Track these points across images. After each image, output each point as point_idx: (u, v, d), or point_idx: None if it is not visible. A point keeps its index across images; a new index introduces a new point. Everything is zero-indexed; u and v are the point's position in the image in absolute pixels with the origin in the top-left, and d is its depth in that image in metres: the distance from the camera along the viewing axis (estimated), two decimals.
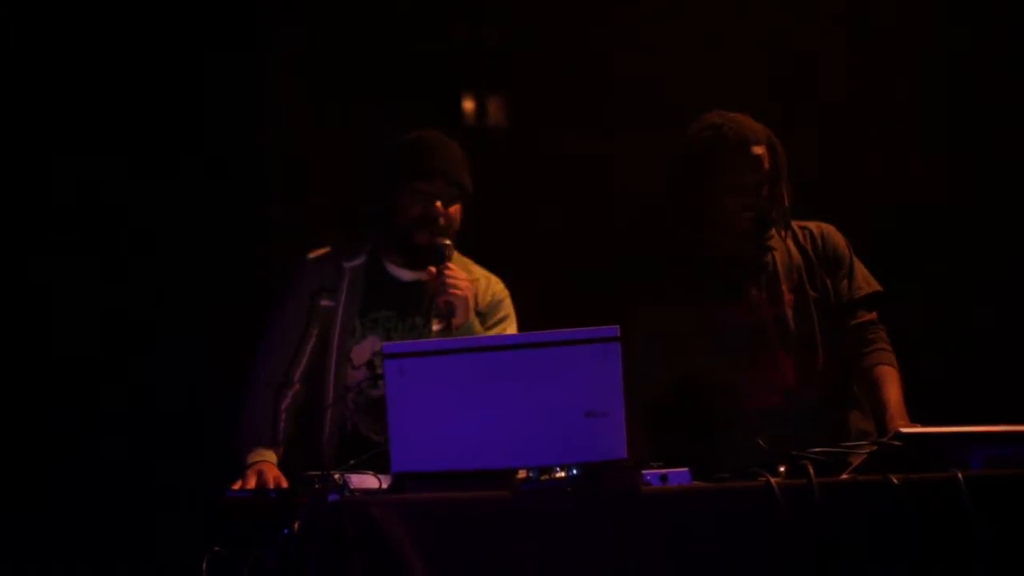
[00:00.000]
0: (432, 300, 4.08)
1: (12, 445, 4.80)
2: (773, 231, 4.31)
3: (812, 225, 4.38)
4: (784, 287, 4.30)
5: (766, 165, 4.24)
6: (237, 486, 3.73)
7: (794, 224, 4.37)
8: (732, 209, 4.24)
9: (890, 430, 3.93)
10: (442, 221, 4.07)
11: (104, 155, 4.91)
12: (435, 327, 4.13)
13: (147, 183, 4.93)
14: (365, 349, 4.12)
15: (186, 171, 4.96)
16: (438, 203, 4.07)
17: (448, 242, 4.05)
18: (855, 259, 4.34)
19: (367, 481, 3.30)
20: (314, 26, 5.16)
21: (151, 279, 4.93)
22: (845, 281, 4.30)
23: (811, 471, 3.20)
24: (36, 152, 4.88)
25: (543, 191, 5.13)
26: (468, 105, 5.41)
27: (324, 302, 4.12)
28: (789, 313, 4.27)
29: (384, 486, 3.28)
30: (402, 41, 5.23)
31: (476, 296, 4.13)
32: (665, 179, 4.36)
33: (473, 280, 4.13)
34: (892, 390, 4.16)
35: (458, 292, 4.00)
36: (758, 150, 4.24)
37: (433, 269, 4.02)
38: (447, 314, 4.02)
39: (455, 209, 4.11)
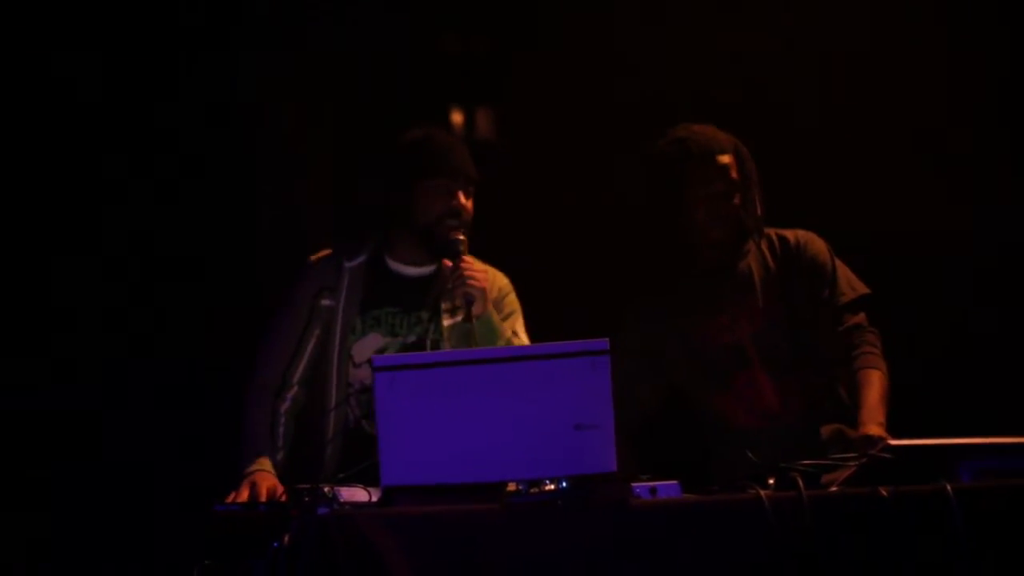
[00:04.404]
0: (447, 293, 4.13)
1: (12, 443, 4.79)
2: (750, 241, 4.30)
3: (789, 233, 4.35)
4: (762, 302, 4.28)
5: (734, 174, 4.24)
6: (230, 499, 3.72)
7: (772, 233, 4.34)
8: (702, 220, 4.23)
9: (861, 433, 3.93)
10: (464, 215, 4.13)
11: (97, 153, 4.92)
12: (446, 321, 4.16)
13: (144, 185, 4.94)
14: (367, 346, 4.14)
15: (178, 176, 4.97)
16: (460, 196, 4.13)
17: (462, 237, 4.11)
18: (838, 264, 4.30)
19: (357, 494, 3.30)
20: (303, 39, 5.17)
21: (150, 280, 4.93)
22: (827, 289, 4.27)
23: (800, 483, 3.21)
24: (34, 156, 4.90)
25: (531, 205, 5.13)
26: (457, 118, 5.41)
27: (325, 302, 4.14)
28: (768, 330, 4.26)
29: (374, 499, 3.27)
30: (391, 54, 5.24)
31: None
32: (633, 196, 4.38)
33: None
34: (871, 393, 4.12)
35: (475, 284, 4.05)
36: (724, 159, 4.24)
37: (449, 263, 4.08)
38: (467, 305, 4.04)
39: (470, 203, 4.17)
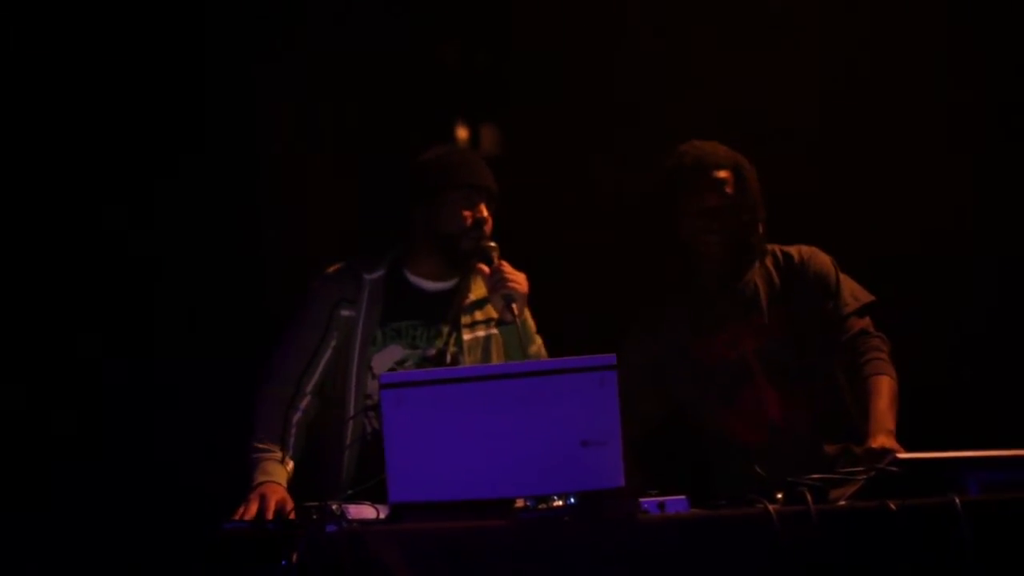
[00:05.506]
0: (489, 296, 4.12)
1: (12, 445, 4.80)
2: (753, 257, 4.29)
3: (793, 249, 4.35)
4: (767, 318, 4.27)
5: (729, 189, 4.22)
6: (238, 515, 3.72)
7: (776, 249, 4.34)
8: (695, 234, 4.23)
9: (868, 445, 3.92)
10: (487, 227, 4.16)
11: (102, 157, 4.93)
12: (466, 336, 4.17)
13: (144, 186, 4.95)
14: (386, 358, 4.15)
15: (179, 177, 4.98)
16: (483, 208, 4.15)
17: (494, 244, 4.13)
18: (842, 277, 4.29)
19: (365, 511, 3.30)
20: (308, 55, 5.18)
21: (152, 281, 4.94)
22: (831, 303, 4.26)
23: (808, 498, 3.20)
24: (35, 156, 4.91)
25: (537, 220, 5.13)
26: (462, 133, 5.42)
27: (344, 312, 4.15)
28: (773, 345, 4.25)
29: (382, 516, 3.27)
30: (395, 69, 5.25)
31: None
32: (635, 211, 4.38)
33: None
34: (879, 401, 4.09)
35: (516, 286, 4.06)
36: (721, 174, 4.23)
37: (486, 268, 4.09)
38: (507, 307, 4.05)
39: (490, 216, 4.19)
